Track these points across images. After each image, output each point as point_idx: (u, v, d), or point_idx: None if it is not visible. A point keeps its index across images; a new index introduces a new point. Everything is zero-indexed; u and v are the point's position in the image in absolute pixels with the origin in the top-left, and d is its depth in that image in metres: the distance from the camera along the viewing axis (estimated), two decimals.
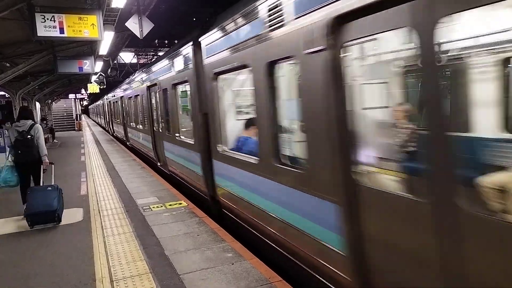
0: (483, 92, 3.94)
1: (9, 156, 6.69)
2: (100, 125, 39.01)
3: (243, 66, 4.56)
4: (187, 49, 6.67)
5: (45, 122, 22.94)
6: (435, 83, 2.20)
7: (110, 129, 25.97)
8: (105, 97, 27.70)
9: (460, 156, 2.19)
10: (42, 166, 6.63)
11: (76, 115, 36.42)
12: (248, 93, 5.33)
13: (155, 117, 10.47)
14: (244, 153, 4.99)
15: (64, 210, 6.33)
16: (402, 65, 4.24)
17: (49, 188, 6.21)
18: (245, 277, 3.85)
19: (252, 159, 4.54)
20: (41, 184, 6.58)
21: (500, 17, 3.07)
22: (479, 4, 1.91)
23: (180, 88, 7.99)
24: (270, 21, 3.74)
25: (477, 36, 3.51)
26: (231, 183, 5.45)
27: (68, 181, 9.62)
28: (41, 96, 23.57)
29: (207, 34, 5.75)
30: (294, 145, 4.38)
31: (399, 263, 2.62)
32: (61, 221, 6.07)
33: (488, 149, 3.57)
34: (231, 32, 4.87)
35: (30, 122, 6.55)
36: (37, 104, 24.22)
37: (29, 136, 6.38)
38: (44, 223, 5.96)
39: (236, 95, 6.07)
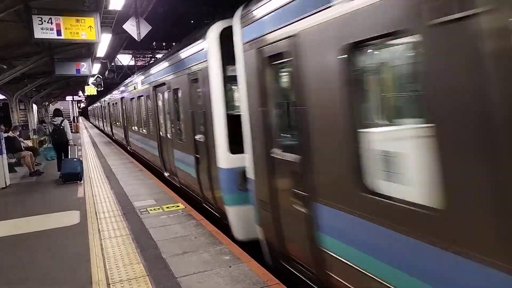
0: None
1: (49, 140, 11.67)
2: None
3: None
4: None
5: (44, 124, 22.86)
6: None
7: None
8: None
9: None
10: (68, 146, 10.78)
11: (73, 117, 36.33)
12: None
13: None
14: None
15: (60, 212, 6.83)
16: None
17: (75, 159, 10.32)
18: (242, 280, 3.84)
19: None
20: (69, 157, 10.63)
21: None
22: None
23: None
24: None
25: None
26: None
27: (64, 184, 9.58)
28: (38, 98, 23.49)
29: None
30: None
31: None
32: (82, 180, 9.65)
33: None
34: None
35: (61, 118, 10.74)
36: (34, 106, 24.14)
37: (61, 127, 10.52)
38: (72, 180, 9.55)
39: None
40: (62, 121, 10.61)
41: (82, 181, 9.52)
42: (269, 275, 3.93)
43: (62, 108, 37.53)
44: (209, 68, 5.32)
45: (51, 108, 35.03)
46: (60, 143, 10.60)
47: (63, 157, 10.50)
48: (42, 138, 20.44)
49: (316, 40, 3.00)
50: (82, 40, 7.14)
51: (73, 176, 9.52)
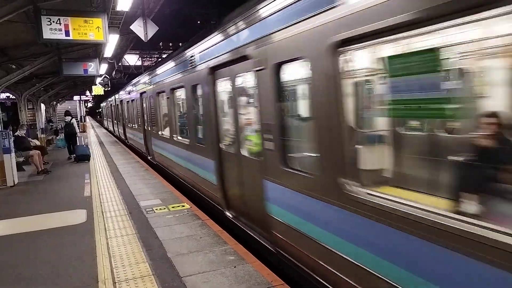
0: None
1: (60, 134, 17.44)
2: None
3: None
4: None
5: (51, 124, 23.10)
6: None
7: None
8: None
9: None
10: (76, 137, 15.16)
11: (81, 116, 36.65)
12: None
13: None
14: None
15: (67, 211, 6.93)
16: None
17: (84, 146, 14.72)
18: (247, 280, 3.85)
19: None
20: (77, 144, 14.55)
21: None
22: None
23: None
24: None
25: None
26: None
27: (72, 182, 9.67)
28: (46, 98, 23.70)
29: None
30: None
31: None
32: (89, 160, 13.31)
33: None
34: None
35: (69, 117, 14.87)
36: (42, 105, 24.35)
37: (71, 123, 14.63)
38: (83, 160, 13.14)
39: None
40: (71, 119, 14.76)
41: (90, 160, 13.27)
42: (274, 276, 3.93)
43: (69, 107, 38.21)
44: None
45: (59, 107, 35.51)
46: (70, 134, 14.67)
47: (71, 145, 14.35)
48: (50, 137, 20.64)
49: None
50: (90, 40, 7.20)
51: (84, 157, 13.34)
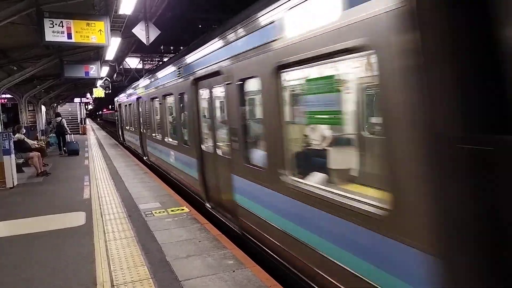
0: None
1: (52, 132, 19.08)
2: None
3: None
4: None
5: (51, 125, 23.15)
6: None
7: None
8: None
9: None
10: (66, 135, 17.37)
11: (81, 119, 36.67)
12: None
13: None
14: None
15: (66, 213, 6.94)
16: None
17: (75, 142, 17.19)
18: (246, 285, 3.85)
19: None
20: (67, 141, 17.01)
21: None
22: None
23: None
24: None
25: None
26: None
27: (71, 185, 9.67)
28: (47, 100, 23.75)
29: None
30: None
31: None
32: (78, 154, 15.90)
33: None
34: None
35: (60, 118, 17.43)
36: (43, 107, 24.39)
37: (61, 124, 16.93)
38: (73, 155, 15.69)
39: None
40: (61, 120, 17.24)
41: (79, 154, 15.96)
42: (272, 281, 3.93)
43: (70, 109, 38.40)
44: None
45: (59, 109, 35.63)
46: (61, 133, 17.01)
47: (62, 142, 16.84)
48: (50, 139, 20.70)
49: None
50: (92, 43, 7.25)
51: (74, 151, 16.05)
